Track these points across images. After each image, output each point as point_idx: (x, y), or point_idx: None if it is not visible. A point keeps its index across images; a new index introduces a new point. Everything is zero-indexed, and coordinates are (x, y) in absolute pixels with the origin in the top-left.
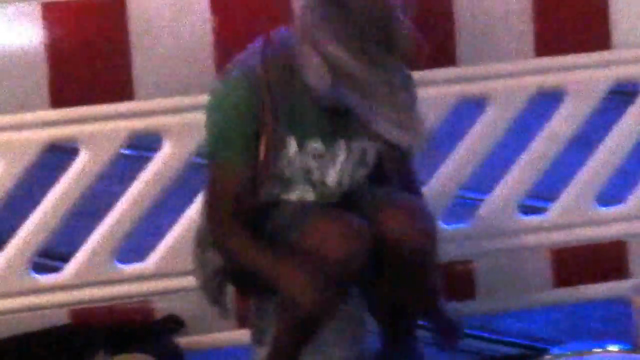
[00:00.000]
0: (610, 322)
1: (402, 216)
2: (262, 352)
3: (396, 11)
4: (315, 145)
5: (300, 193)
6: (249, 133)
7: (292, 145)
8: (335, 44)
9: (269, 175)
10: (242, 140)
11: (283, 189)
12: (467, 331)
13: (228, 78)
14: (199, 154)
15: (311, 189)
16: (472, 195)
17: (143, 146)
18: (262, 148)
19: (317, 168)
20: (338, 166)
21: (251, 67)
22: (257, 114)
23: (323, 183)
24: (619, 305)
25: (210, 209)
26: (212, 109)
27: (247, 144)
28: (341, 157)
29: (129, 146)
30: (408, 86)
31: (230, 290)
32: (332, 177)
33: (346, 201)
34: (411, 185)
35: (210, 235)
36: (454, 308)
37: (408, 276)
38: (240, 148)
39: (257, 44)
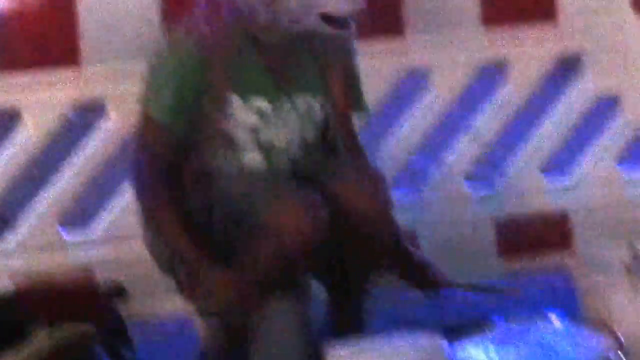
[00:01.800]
0: (552, 293)
1: (355, 186)
2: (208, 323)
3: None
4: (259, 103)
5: (250, 159)
6: (186, 92)
7: (236, 103)
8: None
9: (216, 135)
10: (176, 99)
11: (230, 150)
12: (410, 301)
13: (171, 37)
14: None
15: (260, 154)
16: (421, 164)
17: (90, 112)
18: (205, 106)
19: (264, 128)
20: (286, 126)
21: (195, 28)
22: (199, 74)
23: (272, 145)
24: (561, 277)
25: (135, 171)
26: (153, 67)
27: (181, 103)
28: (287, 115)
29: (76, 112)
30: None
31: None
32: (280, 137)
33: (297, 171)
34: (356, 148)
35: (135, 198)
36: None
37: (362, 245)
38: (173, 108)
39: (201, 6)
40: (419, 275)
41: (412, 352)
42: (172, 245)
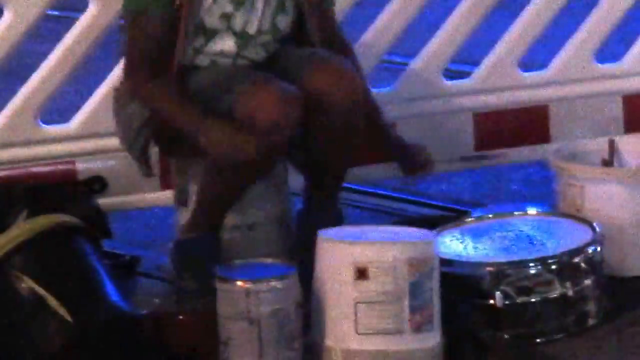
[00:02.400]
0: (531, 185)
1: (328, 76)
2: (187, 213)
3: None
4: None
5: (220, 43)
6: None
7: None
8: None
9: (190, 25)
10: None
11: (206, 40)
12: (389, 193)
13: None
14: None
15: (232, 40)
16: (398, 60)
17: (70, 6)
18: None
19: (237, 15)
20: (258, 12)
21: None
22: None
23: (244, 31)
24: (539, 169)
25: (127, 60)
26: None
27: None
28: (260, 2)
29: (55, 7)
30: None
31: (154, 150)
32: (252, 23)
33: (272, 62)
34: (335, 39)
35: (129, 87)
36: (376, 171)
37: (336, 134)
38: None
39: None
40: (403, 156)
41: (407, 244)
42: (176, 113)
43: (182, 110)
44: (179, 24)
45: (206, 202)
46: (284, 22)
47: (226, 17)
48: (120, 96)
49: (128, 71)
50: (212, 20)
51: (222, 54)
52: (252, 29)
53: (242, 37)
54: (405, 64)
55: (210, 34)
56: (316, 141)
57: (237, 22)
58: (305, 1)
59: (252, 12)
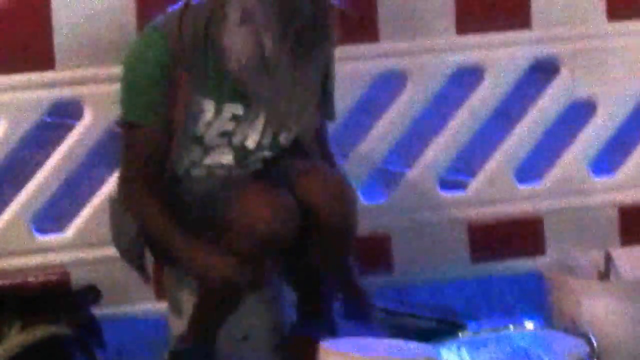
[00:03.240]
0: (524, 298)
1: (322, 185)
2: (181, 323)
3: None
4: (234, 109)
5: (220, 157)
6: (160, 94)
7: (210, 109)
8: (256, 27)
9: (187, 139)
10: (152, 101)
11: (203, 154)
12: (383, 304)
13: (143, 36)
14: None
15: (231, 153)
16: (393, 169)
17: (64, 113)
18: (178, 110)
19: (237, 131)
20: (259, 128)
21: (167, 27)
22: (171, 75)
23: (243, 146)
24: (533, 281)
25: (122, 172)
26: (125, 66)
27: (157, 105)
28: (261, 119)
29: (51, 113)
30: (315, 80)
31: (149, 258)
32: (252, 139)
33: (267, 171)
34: (327, 156)
35: (122, 199)
36: (368, 280)
37: (327, 245)
38: (150, 108)
39: (176, 6)
40: (358, 304)
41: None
42: (163, 236)
43: (170, 235)
44: (174, 139)
45: (201, 315)
46: (286, 139)
47: (226, 134)
48: (116, 205)
49: (122, 182)
50: (211, 136)
51: (219, 166)
52: (251, 145)
53: (241, 152)
54: (402, 173)
55: (209, 148)
56: (308, 252)
57: (237, 138)
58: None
59: (251, 128)
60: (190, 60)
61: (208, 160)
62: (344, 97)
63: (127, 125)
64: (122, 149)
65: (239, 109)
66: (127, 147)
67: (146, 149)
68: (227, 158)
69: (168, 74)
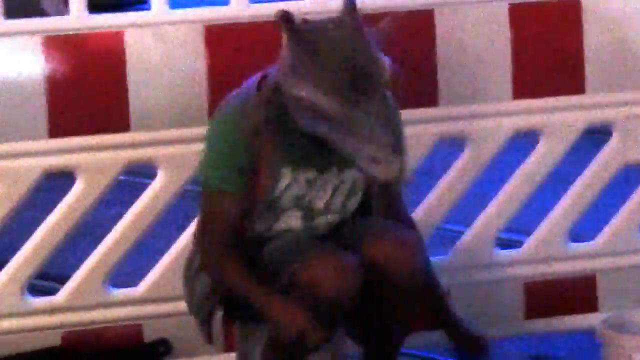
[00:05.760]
0: (578, 354)
1: (388, 245)
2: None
3: (368, 48)
4: (308, 174)
5: (288, 220)
6: (242, 165)
7: (287, 177)
8: (308, 88)
9: (264, 205)
10: (234, 173)
11: (274, 217)
12: (443, 359)
13: (224, 110)
14: (191, 183)
15: (299, 214)
16: (451, 228)
17: (138, 172)
18: (259, 179)
19: (308, 194)
20: (329, 192)
21: (247, 101)
22: (252, 147)
23: (310, 209)
24: (587, 338)
25: (202, 238)
26: (207, 140)
27: (239, 176)
28: (331, 184)
29: (125, 173)
30: (389, 121)
31: (218, 315)
32: (320, 203)
33: (335, 232)
34: (400, 215)
35: (202, 263)
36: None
37: (395, 303)
38: (232, 180)
39: (253, 79)
40: (466, 340)
41: None
42: (242, 288)
43: (251, 289)
44: (254, 205)
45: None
46: (354, 203)
47: (298, 198)
48: (191, 265)
49: (200, 244)
50: (285, 201)
51: (288, 230)
52: (319, 207)
53: (309, 215)
54: (460, 233)
55: (280, 212)
56: (375, 310)
57: (306, 200)
58: (376, 185)
59: (320, 191)
60: (271, 131)
61: (279, 225)
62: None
63: (207, 189)
64: (202, 213)
65: (311, 174)
66: (208, 213)
67: (228, 216)
68: (296, 222)
69: (251, 145)
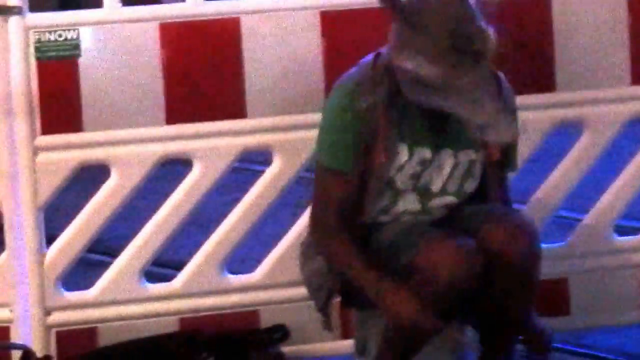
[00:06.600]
0: None
1: (508, 232)
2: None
3: (473, 17)
4: (424, 153)
5: (405, 204)
6: (357, 141)
7: (404, 153)
8: (413, 58)
9: (381, 183)
10: (351, 148)
11: (392, 199)
12: (560, 346)
13: (340, 88)
14: (307, 169)
15: (417, 198)
16: (569, 215)
17: (253, 159)
18: (376, 155)
19: (423, 175)
20: (445, 173)
21: (362, 78)
22: (368, 123)
23: (427, 189)
24: None
25: (315, 215)
26: (324, 115)
27: (354, 153)
28: (448, 165)
29: (240, 160)
30: (494, 89)
31: (336, 301)
32: (437, 184)
33: (451, 217)
34: (506, 200)
35: (314, 242)
36: (547, 323)
37: (512, 291)
38: (349, 155)
39: (368, 57)
40: (538, 344)
41: None
42: (355, 275)
43: (363, 274)
44: (370, 184)
45: (386, 355)
46: (472, 186)
47: (414, 177)
48: (307, 249)
49: (314, 226)
50: (402, 180)
51: (405, 212)
52: (436, 188)
53: (426, 196)
54: (577, 220)
55: (398, 194)
56: (492, 296)
57: (423, 181)
58: (490, 165)
59: (438, 172)
60: (387, 107)
61: (396, 208)
62: (522, 145)
63: (323, 170)
64: (317, 192)
65: (427, 153)
66: (323, 192)
67: (343, 195)
68: (413, 205)
69: (366, 122)
